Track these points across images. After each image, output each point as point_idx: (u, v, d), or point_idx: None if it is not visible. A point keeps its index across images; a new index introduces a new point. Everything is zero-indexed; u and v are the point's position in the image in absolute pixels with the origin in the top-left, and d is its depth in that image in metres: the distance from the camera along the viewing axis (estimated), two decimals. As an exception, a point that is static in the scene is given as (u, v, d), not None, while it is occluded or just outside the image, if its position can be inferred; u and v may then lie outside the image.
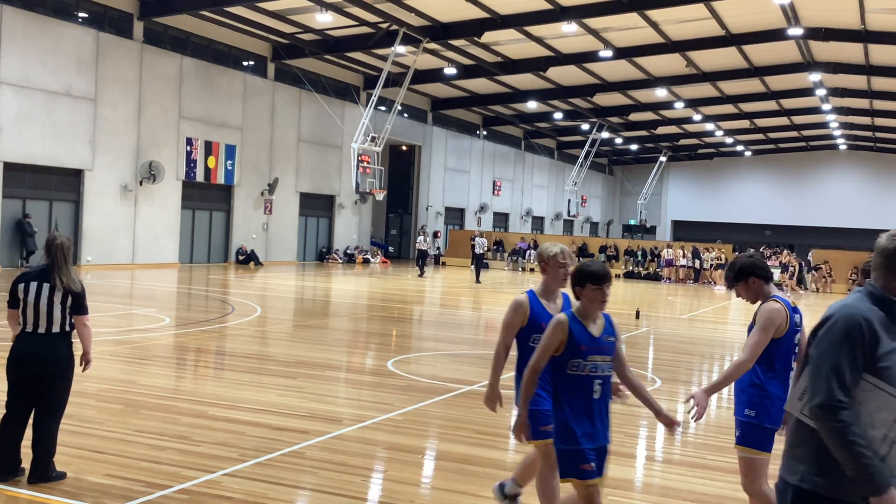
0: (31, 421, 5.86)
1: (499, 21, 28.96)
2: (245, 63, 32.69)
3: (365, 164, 33.69)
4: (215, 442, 6.93)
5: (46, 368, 5.72)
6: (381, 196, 35.21)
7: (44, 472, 5.70)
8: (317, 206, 37.28)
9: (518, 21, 28.99)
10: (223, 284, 24.01)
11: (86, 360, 5.99)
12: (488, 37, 30.76)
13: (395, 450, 7.03)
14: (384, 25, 29.51)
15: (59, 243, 5.84)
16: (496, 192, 51.26)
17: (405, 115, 41.13)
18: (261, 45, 32.77)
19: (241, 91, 32.19)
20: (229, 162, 31.67)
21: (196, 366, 11.32)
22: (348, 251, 38.39)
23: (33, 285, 5.74)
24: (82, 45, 25.85)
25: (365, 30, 30.36)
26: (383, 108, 36.54)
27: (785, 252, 36.59)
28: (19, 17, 24.01)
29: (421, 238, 32.03)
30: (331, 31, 30.95)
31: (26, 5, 24.34)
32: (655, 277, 35.78)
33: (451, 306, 21.73)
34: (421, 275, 30.51)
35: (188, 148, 29.89)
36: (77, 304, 5.79)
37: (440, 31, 30.27)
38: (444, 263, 41.39)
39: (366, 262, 38.04)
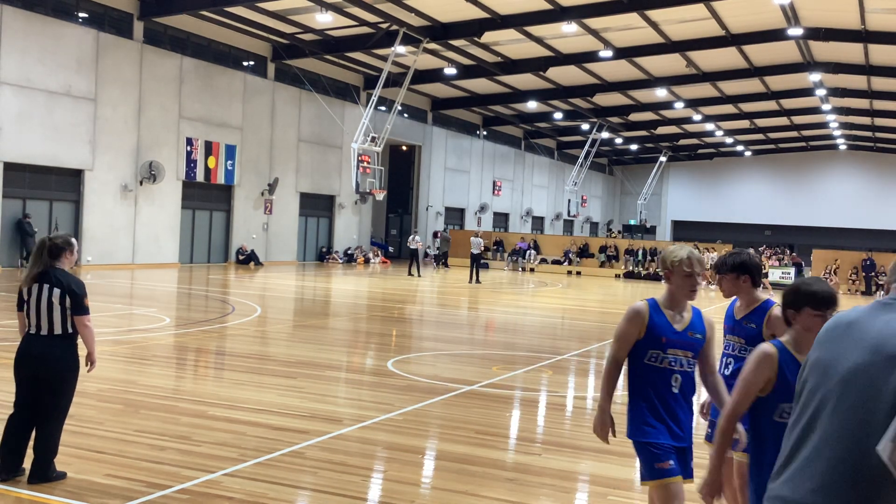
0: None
1: (499, 21, 28.97)
2: (245, 63, 32.70)
3: (365, 164, 33.69)
4: (215, 442, 6.93)
5: (46, 370, 5.73)
6: (381, 196, 35.21)
7: (44, 473, 5.70)
8: (317, 206, 37.28)
9: (518, 21, 29.00)
10: (223, 284, 24.01)
11: (90, 361, 5.98)
12: (488, 37, 30.77)
13: (395, 450, 7.03)
14: (384, 25, 29.51)
15: (55, 244, 5.88)
16: (496, 192, 51.26)
17: (405, 115, 41.13)
18: (261, 45, 32.77)
19: (242, 91, 32.19)
20: (229, 162, 31.68)
21: (196, 366, 11.32)
22: (348, 251, 38.38)
23: (34, 287, 5.78)
24: (82, 45, 25.86)
25: (365, 30, 30.36)
26: (383, 108, 36.55)
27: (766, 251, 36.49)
28: (19, 16, 24.01)
29: (412, 237, 32.02)
30: (331, 31, 30.96)
31: (26, 5, 24.34)
32: (655, 277, 35.75)
33: (450, 306, 21.74)
34: (410, 274, 30.44)
35: (188, 148, 29.89)
36: (76, 304, 5.77)
37: (440, 31, 30.28)
38: (444, 264, 41.37)
39: (366, 262, 38.03)
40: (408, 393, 9.35)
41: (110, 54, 26.75)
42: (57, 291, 5.72)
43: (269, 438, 7.09)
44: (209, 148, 30.72)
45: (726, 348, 5.05)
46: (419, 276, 30.53)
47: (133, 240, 28.12)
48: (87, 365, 5.96)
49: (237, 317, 15.95)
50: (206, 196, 31.48)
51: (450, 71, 35.39)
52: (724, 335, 5.04)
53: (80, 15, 26.26)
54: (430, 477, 6.49)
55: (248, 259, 32.04)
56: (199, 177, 30.40)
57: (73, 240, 6.11)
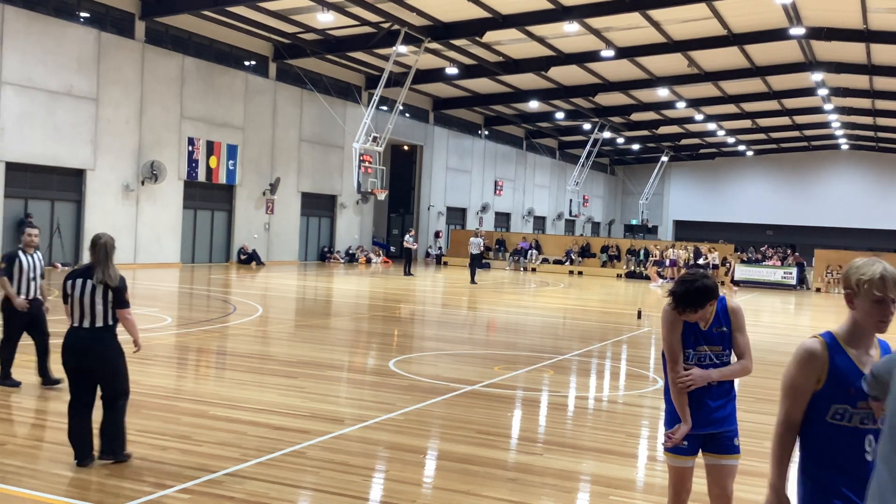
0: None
1: (500, 21, 28.96)
2: (247, 63, 32.71)
3: (366, 163, 33.69)
4: (217, 442, 6.93)
5: (93, 360, 6.14)
6: (382, 196, 35.21)
7: (114, 452, 6.17)
8: (318, 206, 37.29)
9: (520, 21, 28.99)
10: (225, 284, 24.01)
11: (137, 346, 6.44)
12: (490, 36, 30.76)
13: (397, 449, 7.03)
14: (386, 25, 29.51)
15: (103, 242, 6.26)
16: (498, 191, 51.25)
17: (407, 114, 41.14)
18: (262, 44, 32.78)
19: (243, 91, 32.20)
20: (231, 162, 31.68)
21: (198, 366, 11.33)
22: (350, 251, 38.38)
23: (79, 282, 6.16)
24: (84, 45, 25.87)
25: (366, 29, 30.36)
26: (385, 108, 36.55)
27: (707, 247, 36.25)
28: (21, 16, 24.02)
29: (408, 237, 32.02)
30: (332, 30, 30.96)
31: (28, 5, 24.36)
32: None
33: (452, 306, 21.74)
34: (407, 273, 30.42)
35: (190, 148, 29.90)
36: (117, 298, 6.18)
37: (442, 31, 30.27)
38: (445, 263, 41.37)
39: (367, 262, 38.03)
40: (409, 393, 9.35)
41: (112, 54, 26.76)
42: (99, 286, 6.12)
43: (271, 438, 7.09)
44: (211, 148, 30.72)
45: (702, 360, 4.54)
46: (411, 274, 30.48)
47: (135, 240, 28.12)
48: (134, 347, 6.43)
49: (239, 317, 15.96)
50: (208, 196, 31.48)
51: (451, 71, 35.38)
52: (685, 349, 4.54)
53: (82, 15, 26.27)
54: (431, 477, 6.49)
55: (250, 259, 32.04)
56: (201, 177, 30.41)
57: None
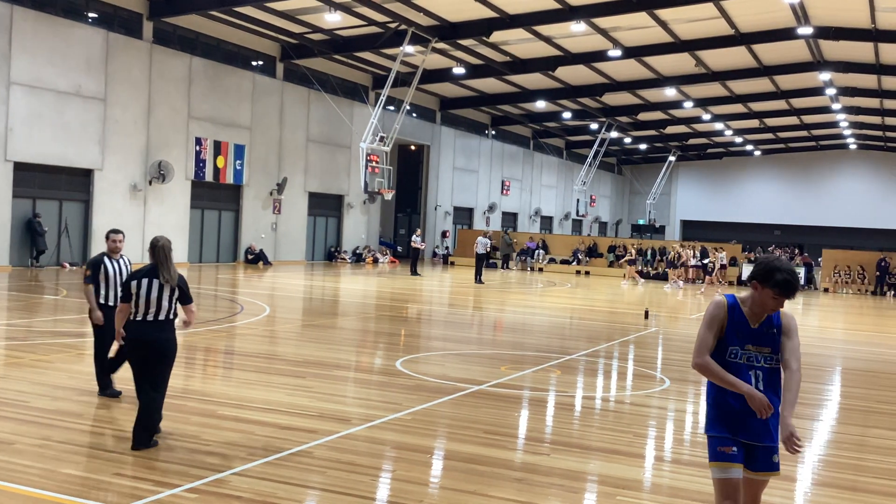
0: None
1: (507, 21, 28.95)
2: (254, 63, 32.76)
3: (373, 163, 33.70)
4: (224, 441, 6.94)
5: (157, 349, 6.76)
6: (389, 196, 35.23)
7: (147, 440, 6.59)
8: (325, 206, 37.32)
9: (527, 21, 28.97)
10: (232, 284, 24.06)
11: (187, 324, 7.13)
12: (497, 36, 30.75)
13: (404, 449, 7.03)
14: (393, 25, 29.52)
15: (161, 245, 6.87)
16: (505, 191, 51.23)
17: (414, 114, 41.15)
18: (270, 44, 32.83)
19: (250, 91, 32.25)
20: (238, 162, 31.74)
21: (205, 365, 11.35)
22: (357, 251, 38.40)
23: (144, 281, 6.79)
24: (92, 46, 25.95)
25: (374, 29, 30.38)
26: (392, 108, 36.57)
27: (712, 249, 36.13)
28: (29, 17, 24.11)
29: (415, 237, 32.04)
30: (339, 30, 30.99)
31: (36, 6, 24.44)
32: (664, 277, 35.68)
33: (459, 306, 21.74)
34: (414, 273, 30.45)
35: (197, 148, 29.96)
36: (183, 295, 6.91)
37: (449, 31, 30.27)
38: (452, 263, 41.37)
39: (374, 261, 38.05)
40: (416, 392, 9.35)
41: (120, 54, 26.83)
42: (166, 285, 6.79)
43: (278, 438, 7.10)
44: (218, 148, 30.79)
45: (750, 360, 4.41)
46: (418, 274, 30.50)
47: (143, 239, 28.17)
48: (185, 324, 7.11)
49: (246, 316, 15.98)
50: (215, 196, 31.55)
51: (458, 70, 35.38)
52: (739, 347, 4.40)
53: (90, 15, 26.35)
54: (438, 476, 6.49)
55: (257, 259, 32.09)
56: (208, 176, 30.47)
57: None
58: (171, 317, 6.86)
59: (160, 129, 28.53)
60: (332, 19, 28.55)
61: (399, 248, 43.50)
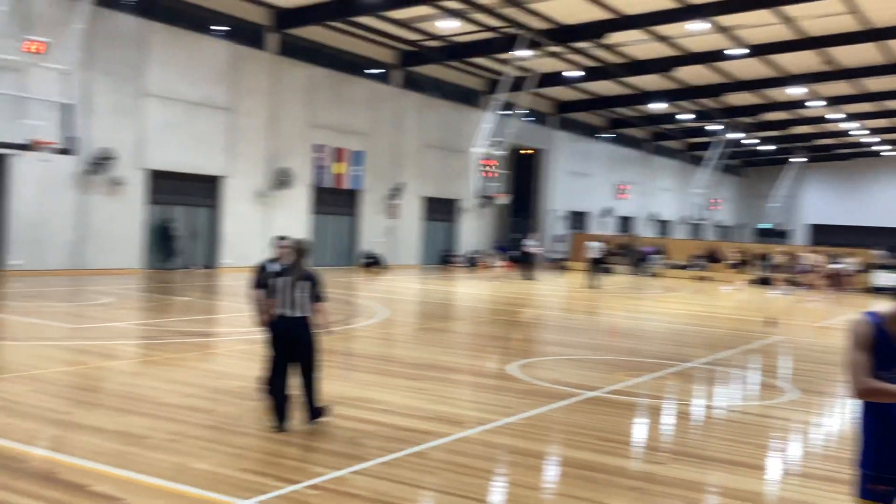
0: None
1: (623, 21, 28.51)
2: (372, 71, 33.45)
3: (488, 168, 33.82)
4: (342, 440, 7.12)
5: (298, 341, 7.42)
6: (503, 200, 35.26)
7: (318, 412, 7.45)
8: (440, 211, 37.69)
9: (643, 21, 28.45)
10: (349, 287, 24.60)
11: (324, 327, 7.68)
12: (612, 38, 30.33)
13: (518, 454, 7.03)
14: (507, 30, 29.56)
15: (301, 246, 7.60)
16: (621, 195, 50.43)
17: (528, 118, 41.06)
18: (387, 52, 33.45)
19: (369, 98, 32.96)
20: (356, 168, 32.48)
21: (325, 366, 11.64)
22: (471, 255, 38.59)
23: (282, 279, 7.42)
24: (220, 58, 27.12)
25: (488, 35, 30.51)
26: (506, 113, 36.62)
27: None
28: (164, 32, 25.41)
29: (530, 241, 31.89)
30: (455, 37, 31.28)
31: (170, 21, 25.72)
32: (792, 285, 34.25)
33: (573, 311, 21.53)
34: (528, 278, 30.35)
35: (318, 155, 30.84)
36: (317, 292, 7.47)
37: (563, 34, 30.06)
38: (566, 268, 41.01)
39: (488, 266, 38.15)
40: (530, 397, 9.33)
41: (246, 66, 27.94)
42: (306, 283, 7.39)
43: (394, 438, 7.22)
44: (337, 154, 31.60)
45: None
46: (535, 280, 30.38)
47: (266, 244, 29.19)
48: (321, 330, 7.63)
49: (363, 319, 16.32)
50: (334, 201, 32.37)
51: (573, 73, 35.08)
52: (887, 371, 3.82)
53: (219, 29, 27.54)
54: (553, 482, 6.46)
55: (374, 262, 32.72)
56: (328, 182, 31.32)
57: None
58: (308, 312, 7.44)
59: (283, 137, 29.52)
60: (447, 26, 28.85)
61: (513, 253, 43.44)
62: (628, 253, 40.14)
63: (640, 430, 8.34)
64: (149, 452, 6.48)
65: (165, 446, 6.69)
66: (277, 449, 6.76)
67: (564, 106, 43.79)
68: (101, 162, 23.79)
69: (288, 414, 7.37)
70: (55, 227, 23.12)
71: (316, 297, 7.49)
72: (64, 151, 19.39)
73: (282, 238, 8.66)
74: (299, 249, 7.58)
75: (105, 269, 24.15)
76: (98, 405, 8.10)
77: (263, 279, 8.37)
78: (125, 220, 24.84)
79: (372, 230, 33.65)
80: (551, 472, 6.72)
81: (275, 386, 7.44)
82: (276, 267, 8.36)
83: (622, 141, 50.90)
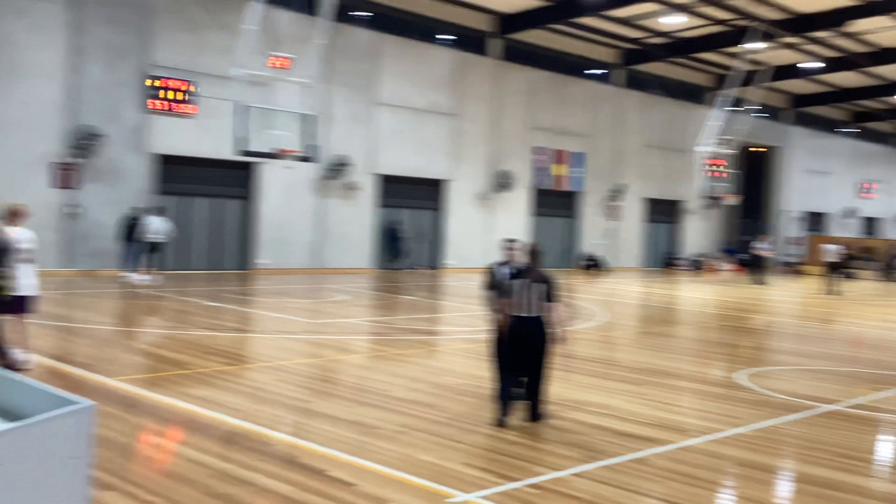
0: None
1: (868, 7, 26.34)
2: (593, 71, 33.20)
3: (715, 167, 32.49)
4: (562, 441, 7.14)
5: (532, 341, 7.58)
6: (732, 201, 33.74)
7: (539, 415, 7.62)
8: (663, 212, 36.70)
9: (892, 6, 26.13)
10: (569, 289, 24.55)
11: (559, 334, 7.72)
12: (855, 25, 28.11)
13: (747, 466, 6.72)
14: (737, 22, 28.25)
15: (535, 249, 7.83)
16: (865, 194, 46.60)
17: (760, 114, 39.00)
18: (609, 52, 33.07)
19: (589, 99, 32.75)
20: (577, 169, 32.37)
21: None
22: (696, 258, 37.24)
23: (519, 281, 7.61)
24: (446, 65, 28.07)
25: (716, 28, 29.33)
26: (736, 109, 34.96)
27: None
28: (395, 43, 26.70)
29: (760, 244, 30.19)
30: (680, 32, 30.35)
31: (399, 32, 26.97)
32: None
33: (808, 318, 20.18)
34: (758, 283, 28.77)
35: (538, 157, 31.06)
36: (551, 294, 7.61)
37: (800, 24, 28.27)
38: (801, 272, 38.52)
39: (715, 269, 36.64)
40: (760, 408, 8.87)
41: (470, 72, 28.71)
42: (542, 285, 7.58)
43: (615, 443, 7.14)
44: (557, 156, 31.66)
45: None
46: (766, 284, 28.78)
47: (488, 244, 29.81)
48: (556, 337, 7.71)
49: (582, 321, 16.24)
50: (554, 203, 32.45)
51: (811, 65, 32.90)
52: None
53: (445, 37, 28.50)
54: (785, 499, 6.12)
55: (593, 264, 32.43)
56: (548, 184, 31.45)
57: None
58: (543, 313, 7.58)
59: (504, 140, 30.03)
60: (672, 21, 28.05)
61: (742, 256, 41.42)
62: (875, 257, 37.01)
63: (884, 448, 7.69)
64: (379, 442, 6.84)
65: (394, 437, 7.02)
66: (499, 446, 6.90)
67: (800, 100, 41.15)
68: (337, 168, 25.38)
69: (510, 410, 7.57)
70: (297, 229, 24.96)
71: (551, 299, 7.63)
72: (305, 159, 20.87)
73: (510, 240, 8.78)
74: (534, 252, 7.77)
75: (340, 268, 25.74)
76: (334, 395, 8.66)
77: (494, 281, 8.54)
78: (358, 222, 26.34)
79: (592, 232, 33.39)
80: (784, 488, 6.36)
81: (505, 383, 7.68)
82: (505, 269, 8.52)
83: (867, 136, 47.01)
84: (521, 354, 7.63)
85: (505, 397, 7.59)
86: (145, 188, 21.98)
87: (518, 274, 7.73)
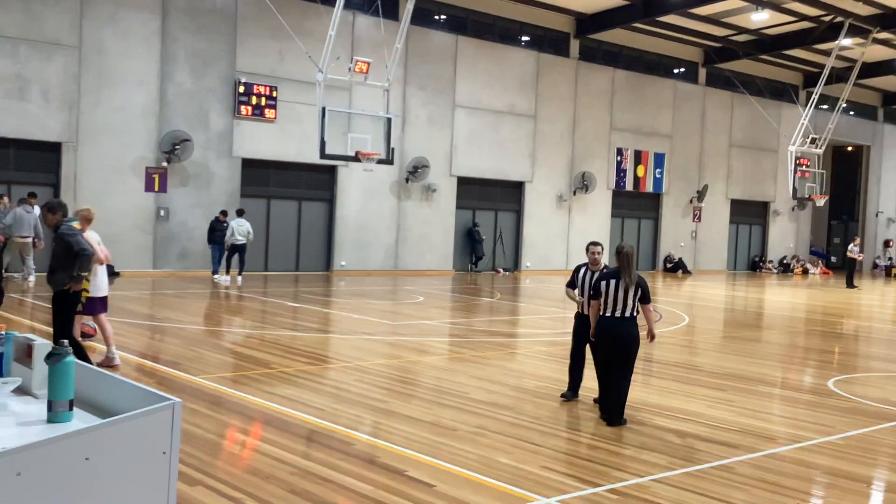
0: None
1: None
2: (675, 70, 32.61)
3: (804, 167, 31.51)
4: (643, 447, 7.02)
5: (622, 342, 7.71)
6: (821, 202, 32.69)
7: (617, 418, 7.67)
8: (749, 213, 35.79)
9: None
10: (651, 292, 24.15)
11: (651, 336, 7.98)
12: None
13: (836, 476, 6.49)
14: (827, 18, 27.37)
15: (626, 251, 7.81)
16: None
17: (851, 112, 37.68)
18: (691, 50, 32.43)
19: (671, 99, 32.16)
20: (658, 170, 31.83)
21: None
22: (784, 261, 36.20)
23: (611, 282, 7.73)
24: (524, 67, 27.95)
25: (805, 25, 28.47)
26: (825, 107, 33.87)
27: None
28: (471, 45, 26.72)
29: (852, 246, 29.11)
30: (766, 29, 29.56)
31: (477, 34, 27.00)
32: None
33: (905, 324, 19.38)
34: (850, 286, 27.76)
35: (618, 158, 30.67)
36: (644, 295, 7.77)
37: (894, 18, 27.20)
38: (893, 276, 37.06)
39: (804, 272, 35.54)
40: (851, 416, 8.56)
41: (548, 73, 28.53)
42: (630, 286, 7.68)
43: (698, 449, 6.99)
44: (638, 157, 31.20)
45: None
46: (857, 288, 27.75)
47: (567, 247, 29.60)
48: (648, 338, 7.97)
49: (664, 325, 15.95)
50: (634, 204, 31.98)
51: (906, 60, 31.60)
52: None
53: (523, 39, 28.40)
54: (878, 511, 5.88)
55: (676, 267, 31.84)
56: (628, 185, 31.02)
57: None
58: (634, 314, 7.73)
59: (584, 141, 29.74)
60: (759, 18, 27.35)
61: (833, 259, 40.07)
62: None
63: None
64: (457, 444, 6.85)
65: (472, 439, 7.02)
66: (579, 450, 6.83)
67: (894, 97, 39.57)
68: (416, 170, 25.55)
69: (620, 410, 7.78)
70: (375, 231, 25.23)
71: (642, 299, 7.78)
72: (384, 161, 21.08)
73: (594, 244, 8.70)
74: (627, 254, 7.81)
75: (418, 270, 25.90)
76: (412, 396, 8.71)
77: (580, 281, 8.57)
78: (436, 224, 26.45)
79: (674, 234, 32.78)
80: (876, 499, 6.12)
81: (605, 382, 7.85)
82: (588, 272, 8.46)
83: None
84: (609, 354, 7.78)
85: (610, 396, 7.80)
86: (231, 191, 22.55)
87: (609, 275, 7.82)
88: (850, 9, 26.42)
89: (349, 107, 22.80)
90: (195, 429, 6.86)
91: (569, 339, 8.99)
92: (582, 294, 8.55)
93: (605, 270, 8.11)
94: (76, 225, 8.59)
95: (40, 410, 2.91)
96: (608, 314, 7.76)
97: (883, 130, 40.47)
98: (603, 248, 8.70)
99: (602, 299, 7.78)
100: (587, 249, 8.62)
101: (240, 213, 20.77)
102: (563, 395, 8.72)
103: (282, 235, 24.10)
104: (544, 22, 28.40)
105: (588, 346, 8.45)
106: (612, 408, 7.72)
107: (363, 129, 21.15)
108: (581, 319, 8.58)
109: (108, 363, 9.27)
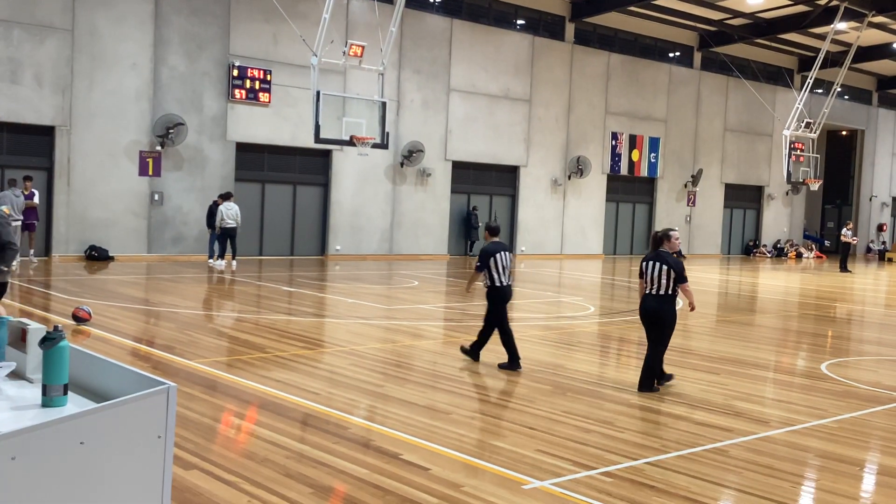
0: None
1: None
2: (670, 54, 32.54)
3: (798, 151, 31.53)
4: (638, 430, 7.06)
5: (659, 316, 8.53)
6: (815, 186, 32.72)
7: (649, 385, 8.46)
8: (743, 198, 35.83)
9: None
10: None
11: (691, 307, 8.80)
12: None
13: (829, 458, 6.53)
14: (822, 2, 27.30)
15: (660, 235, 8.61)
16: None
17: (845, 97, 37.70)
18: (687, 34, 32.35)
19: (666, 83, 32.11)
20: (653, 154, 31.83)
21: (619, 354, 11.60)
22: (778, 245, 36.28)
23: (650, 263, 8.50)
24: (519, 51, 27.86)
25: (800, 8, 28.41)
26: (820, 91, 33.86)
27: None
28: (466, 28, 26.62)
29: (846, 230, 29.20)
30: (762, 13, 29.50)
31: (472, 17, 26.89)
32: None
33: (894, 307, 19.48)
34: (844, 270, 27.90)
35: (613, 142, 30.64)
36: (679, 275, 8.44)
37: (889, 2, 27.15)
38: (889, 259, 37.18)
39: (798, 256, 35.63)
40: (844, 399, 8.61)
41: (543, 57, 28.44)
42: (665, 267, 8.40)
43: (691, 433, 7.03)
44: (633, 141, 31.17)
45: None
46: (851, 272, 27.86)
47: (561, 231, 29.62)
48: (690, 308, 8.87)
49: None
50: (629, 189, 31.99)
51: (901, 44, 31.58)
52: None
53: (518, 22, 28.29)
54: (869, 492, 5.93)
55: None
56: (623, 170, 31.01)
57: (673, 231, 8.74)
58: (671, 292, 8.47)
59: (579, 125, 29.70)
60: (755, 2, 27.31)
61: (826, 243, 40.19)
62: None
63: (978, 445, 7.37)
64: (452, 427, 6.87)
65: (466, 422, 7.05)
66: (573, 434, 6.86)
67: (889, 81, 39.58)
68: (410, 155, 25.50)
69: (652, 381, 8.51)
70: (370, 215, 25.20)
71: (677, 280, 8.44)
72: (379, 146, 21.03)
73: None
74: (659, 238, 8.60)
75: (412, 254, 25.90)
76: (407, 380, 8.73)
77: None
78: (431, 209, 26.43)
79: (669, 218, 32.81)
80: (868, 481, 6.16)
81: (648, 356, 8.59)
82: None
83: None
84: (648, 327, 8.63)
85: (651, 368, 8.56)
86: (225, 175, 22.48)
87: (648, 258, 8.61)
88: (845, -8, 26.38)
89: (344, 91, 22.71)
90: (190, 413, 6.87)
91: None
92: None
93: (650, 255, 8.76)
94: (6, 210, 8.59)
95: (35, 395, 2.92)
96: (649, 291, 8.53)
97: (877, 115, 40.49)
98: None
99: (645, 279, 8.56)
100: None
101: (228, 197, 20.49)
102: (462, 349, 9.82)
103: (276, 220, 24.06)
104: (539, 5, 28.29)
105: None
106: (646, 373, 8.49)
107: (358, 114, 21.08)
108: None
109: None
